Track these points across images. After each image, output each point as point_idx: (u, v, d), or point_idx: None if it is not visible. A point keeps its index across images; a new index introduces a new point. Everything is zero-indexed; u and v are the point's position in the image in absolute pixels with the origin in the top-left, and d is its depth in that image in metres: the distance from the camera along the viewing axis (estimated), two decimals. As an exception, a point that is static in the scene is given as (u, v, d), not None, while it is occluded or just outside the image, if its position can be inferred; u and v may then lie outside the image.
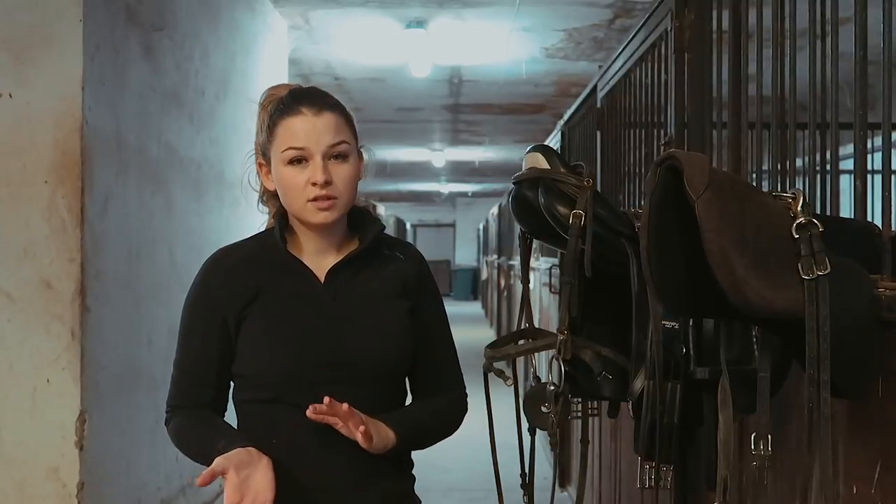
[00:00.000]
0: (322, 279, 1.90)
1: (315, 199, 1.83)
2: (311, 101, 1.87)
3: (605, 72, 4.26)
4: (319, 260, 1.92)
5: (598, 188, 2.79)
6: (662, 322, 1.89)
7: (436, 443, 2.00)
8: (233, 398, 1.96)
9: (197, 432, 1.90)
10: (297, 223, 1.92)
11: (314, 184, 1.82)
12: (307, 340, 1.85)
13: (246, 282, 1.89)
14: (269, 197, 1.98)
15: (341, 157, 1.86)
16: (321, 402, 1.74)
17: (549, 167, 2.00)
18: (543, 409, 2.02)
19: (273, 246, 1.91)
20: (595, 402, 2.66)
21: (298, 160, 1.84)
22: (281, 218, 1.93)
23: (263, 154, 1.93)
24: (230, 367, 1.91)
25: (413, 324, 1.93)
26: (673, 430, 1.90)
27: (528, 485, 2.21)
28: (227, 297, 1.88)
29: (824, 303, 1.47)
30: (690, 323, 1.93)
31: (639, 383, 1.92)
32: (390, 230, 19.78)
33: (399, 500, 1.94)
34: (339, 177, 1.85)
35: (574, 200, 1.95)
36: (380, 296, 1.91)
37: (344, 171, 1.86)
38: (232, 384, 1.95)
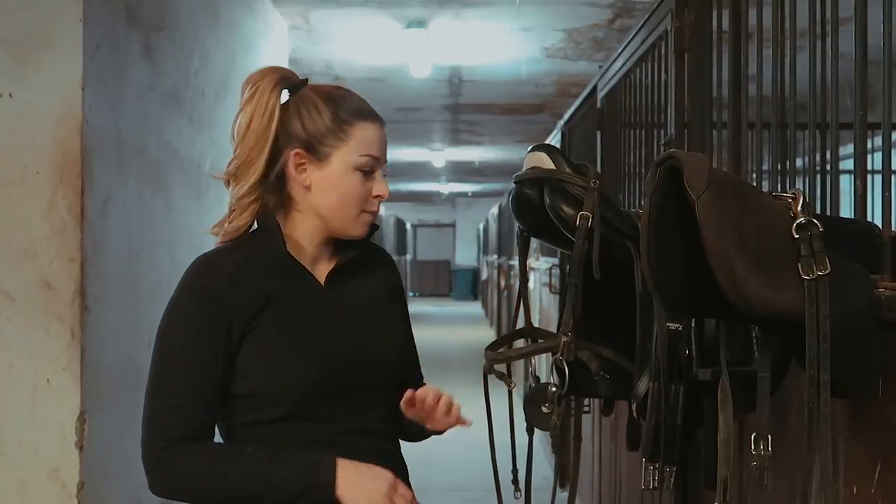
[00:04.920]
0: (322, 284, 1.81)
1: (371, 212, 1.79)
2: (377, 114, 1.85)
3: (605, 72, 4.26)
4: (315, 265, 1.82)
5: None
6: (666, 323, 1.89)
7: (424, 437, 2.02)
8: (223, 423, 1.77)
9: (242, 466, 1.65)
10: (303, 229, 1.80)
11: (377, 197, 1.79)
12: (327, 348, 1.74)
13: (254, 289, 1.72)
14: (262, 189, 1.77)
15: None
16: (338, 414, 1.73)
17: (553, 167, 1.99)
18: (544, 409, 2.02)
19: (265, 251, 1.76)
20: (587, 400, 2.66)
21: (369, 170, 1.78)
22: (276, 224, 1.77)
23: (311, 146, 1.76)
24: (227, 387, 1.71)
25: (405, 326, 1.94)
26: (676, 431, 1.90)
27: (525, 486, 2.21)
28: (236, 305, 1.69)
29: (824, 303, 1.47)
30: (693, 324, 1.93)
31: (643, 385, 1.91)
32: (390, 230, 19.81)
33: None
34: None
35: (580, 201, 1.93)
36: (378, 300, 1.88)
37: None
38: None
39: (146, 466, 1.69)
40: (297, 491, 1.65)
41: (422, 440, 1.98)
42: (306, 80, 1.84)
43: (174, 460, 1.66)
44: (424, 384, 1.90)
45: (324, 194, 1.76)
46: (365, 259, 1.88)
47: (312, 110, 1.77)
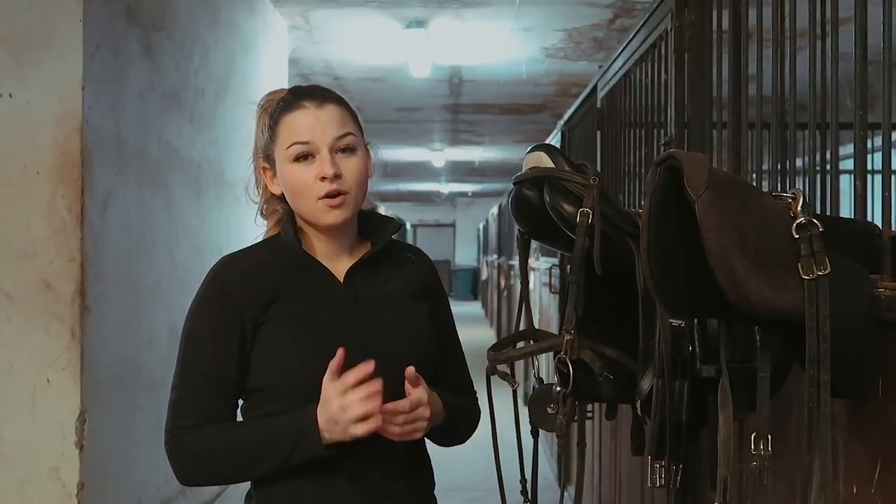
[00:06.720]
0: (340, 280, 1.82)
1: (326, 196, 1.76)
2: (312, 95, 1.82)
3: (605, 72, 4.26)
4: (334, 263, 1.84)
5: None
6: (669, 320, 1.88)
7: (454, 441, 1.95)
8: (242, 416, 1.82)
9: (242, 434, 1.73)
10: (308, 226, 1.83)
11: (323, 178, 1.75)
12: (334, 343, 1.72)
13: (264, 284, 1.77)
14: (273, 203, 1.88)
15: (349, 150, 1.79)
16: None
17: (553, 166, 1.99)
18: (549, 409, 2.01)
19: (286, 249, 1.81)
20: (591, 406, 2.66)
21: (304, 156, 1.77)
22: (291, 220, 1.83)
23: (266, 157, 1.84)
24: (244, 380, 1.77)
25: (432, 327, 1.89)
26: (681, 429, 1.89)
27: (532, 489, 2.20)
28: (246, 301, 1.75)
29: (824, 303, 1.47)
30: (695, 320, 1.92)
31: (647, 382, 1.91)
32: (390, 230, 19.87)
33: (419, 497, 1.88)
34: (349, 170, 1.77)
35: (580, 199, 1.93)
36: (401, 296, 1.86)
37: (353, 164, 1.78)
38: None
39: (167, 454, 1.76)
40: (291, 441, 1.69)
41: (449, 443, 1.94)
42: (285, 93, 1.90)
43: (185, 444, 1.73)
44: (458, 390, 1.92)
45: (287, 194, 1.83)
46: (393, 255, 1.89)
47: (258, 125, 1.87)
